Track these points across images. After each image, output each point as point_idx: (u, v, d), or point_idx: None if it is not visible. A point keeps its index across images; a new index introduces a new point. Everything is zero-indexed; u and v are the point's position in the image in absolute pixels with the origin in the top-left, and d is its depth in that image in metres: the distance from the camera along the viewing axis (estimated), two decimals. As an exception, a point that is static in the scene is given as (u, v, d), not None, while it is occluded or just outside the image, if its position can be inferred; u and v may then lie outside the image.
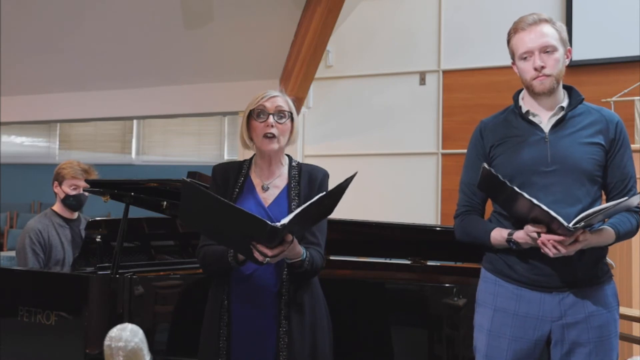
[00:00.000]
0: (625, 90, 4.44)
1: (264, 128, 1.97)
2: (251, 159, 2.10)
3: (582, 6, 5.40)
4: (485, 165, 1.74)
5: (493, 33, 5.49)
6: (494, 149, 1.95)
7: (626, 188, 1.89)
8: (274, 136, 1.97)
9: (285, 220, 1.73)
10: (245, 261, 1.90)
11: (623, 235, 1.87)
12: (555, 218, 1.68)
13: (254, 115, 1.99)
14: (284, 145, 2.02)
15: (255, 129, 1.99)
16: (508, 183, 1.71)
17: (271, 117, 1.98)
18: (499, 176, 1.71)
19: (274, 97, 2.00)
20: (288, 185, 2.03)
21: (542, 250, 1.76)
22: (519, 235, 1.81)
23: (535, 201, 1.68)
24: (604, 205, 1.74)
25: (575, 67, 5.27)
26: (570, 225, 1.69)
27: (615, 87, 4.73)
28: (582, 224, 1.70)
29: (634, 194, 1.84)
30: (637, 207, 1.89)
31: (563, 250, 1.72)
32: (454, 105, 5.85)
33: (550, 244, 1.73)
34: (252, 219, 1.71)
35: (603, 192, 1.94)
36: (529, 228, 1.77)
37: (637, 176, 3.43)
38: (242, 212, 1.73)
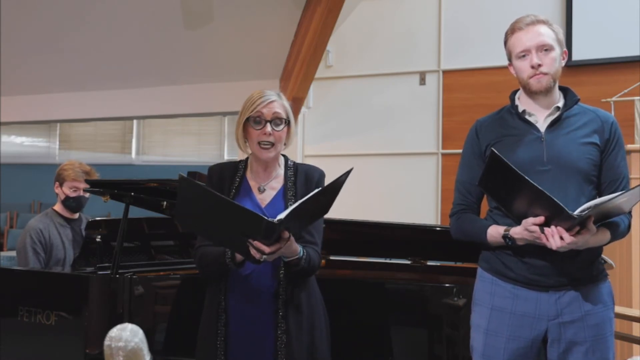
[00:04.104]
0: (625, 90, 4.43)
1: (260, 136, 1.96)
2: (247, 159, 2.09)
3: (582, 6, 5.40)
4: (494, 149, 1.73)
5: (493, 33, 5.44)
6: (489, 148, 1.94)
7: (619, 188, 1.89)
8: (270, 144, 1.97)
9: (281, 216, 1.73)
10: (243, 263, 1.90)
11: (617, 235, 1.88)
12: (559, 206, 1.67)
13: (250, 121, 1.97)
14: (280, 151, 2.02)
15: (251, 135, 1.98)
16: (514, 167, 1.70)
17: (268, 125, 1.96)
18: (506, 160, 1.70)
19: (271, 102, 1.97)
20: (284, 186, 2.02)
21: (544, 243, 1.74)
22: (516, 231, 1.81)
23: (540, 188, 1.67)
24: (609, 196, 1.73)
25: (575, 67, 5.28)
26: (575, 214, 1.69)
27: (615, 87, 4.72)
28: (587, 212, 1.70)
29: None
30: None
31: (568, 240, 1.70)
32: (454, 105, 5.85)
33: (556, 232, 1.71)
34: (249, 215, 1.71)
35: None
36: (527, 221, 1.76)
37: (637, 176, 3.46)
38: (239, 207, 1.73)
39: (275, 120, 1.97)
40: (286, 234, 1.78)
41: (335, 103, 6.27)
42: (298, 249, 1.88)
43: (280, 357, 1.92)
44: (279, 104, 1.99)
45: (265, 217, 1.71)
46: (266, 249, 1.75)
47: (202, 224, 1.83)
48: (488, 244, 1.92)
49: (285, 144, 2.03)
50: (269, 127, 1.95)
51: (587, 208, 1.70)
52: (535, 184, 1.68)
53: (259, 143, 1.96)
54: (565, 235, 1.71)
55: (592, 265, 1.89)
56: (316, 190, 1.80)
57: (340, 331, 2.22)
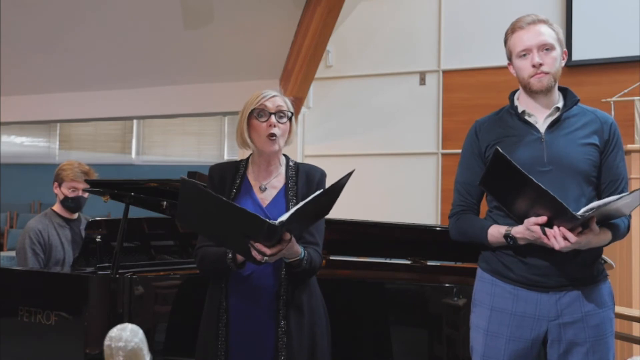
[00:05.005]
0: (625, 90, 4.43)
1: (267, 128, 1.97)
2: (247, 159, 2.10)
3: (582, 6, 5.40)
4: (499, 148, 1.73)
5: (493, 33, 5.44)
6: (489, 149, 1.94)
7: (618, 189, 1.89)
8: (276, 137, 1.98)
9: (283, 218, 1.73)
10: (244, 263, 1.90)
11: (618, 236, 1.88)
12: (563, 207, 1.66)
13: (255, 114, 1.99)
14: (283, 146, 2.03)
15: (256, 128, 1.99)
16: (519, 167, 1.69)
17: (273, 116, 1.98)
18: (511, 159, 1.70)
19: (274, 96, 2.01)
20: (286, 186, 2.03)
21: (546, 243, 1.73)
22: (518, 230, 1.81)
23: (545, 188, 1.67)
24: (612, 198, 1.73)
25: (575, 67, 5.28)
26: (578, 214, 1.68)
27: (615, 87, 4.72)
28: (590, 213, 1.70)
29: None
30: None
31: (572, 240, 1.70)
32: (454, 105, 5.85)
33: (559, 234, 1.70)
34: (251, 217, 1.71)
35: None
36: (529, 221, 1.76)
37: (637, 176, 3.46)
38: (241, 210, 1.73)
39: (279, 113, 1.99)
40: (287, 236, 1.78)
41: (335, 103, 6.27)
42: (299, 250, 1.88)
43: (281, 358, 1.92)
44: (282, 99, 2.02)
45: (267, 220, 1.71)
46: (267, 251, 1.76)
47: (204, 225, 1.83)
48: (488, 244, 1.92)
49: (286, 141, 2.04)
50: (273, 119, 1.97)
51: (591, 209, 1.70)
52: (539, 184, 1.67)
53: (266, 136, 1.97)
54: (570, 235, 1.70)
55: (592, 265, 1.89)
56: (318, 192, 1.80)
57: (341, 331, 2.22)
